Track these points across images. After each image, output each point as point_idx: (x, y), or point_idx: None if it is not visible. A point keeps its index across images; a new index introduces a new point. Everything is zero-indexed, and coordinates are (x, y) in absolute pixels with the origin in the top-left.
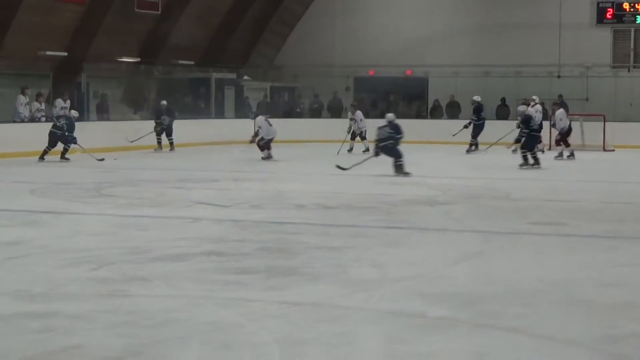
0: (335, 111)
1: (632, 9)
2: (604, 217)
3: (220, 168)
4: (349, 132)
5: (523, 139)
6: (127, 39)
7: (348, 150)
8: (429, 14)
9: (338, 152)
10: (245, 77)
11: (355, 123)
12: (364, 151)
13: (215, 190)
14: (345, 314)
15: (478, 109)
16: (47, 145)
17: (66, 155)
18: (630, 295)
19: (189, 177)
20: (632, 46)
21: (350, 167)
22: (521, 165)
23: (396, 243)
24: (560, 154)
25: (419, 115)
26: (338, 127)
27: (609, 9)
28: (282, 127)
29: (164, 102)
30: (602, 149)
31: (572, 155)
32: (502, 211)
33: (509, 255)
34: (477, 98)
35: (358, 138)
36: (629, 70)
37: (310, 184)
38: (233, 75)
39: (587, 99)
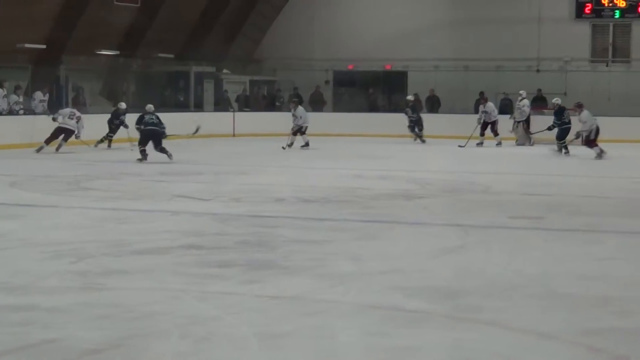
0: (317, 104)
1: (610, 4)
2: (583, 211)
3: (200, 161)
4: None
5: (556, 129)
6: (106, 32)
7: (288, 146)
8: (409, 7)
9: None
10: (225, 71)
11: (296, 119)
12: (302, 146)
13: (195, 183)
14: (324, 308)
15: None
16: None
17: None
18: (609, 289)
19: (169, 170)
20: (610, 41)
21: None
22: (565, 153)
23: (375, 237)
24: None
25: (398, 109)
26: (319, 120)
27: (588, 4)
28: (261, 120)
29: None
30: (580, 143)
31: (601, 153)
32: (481, 205)
33: (488, 249)
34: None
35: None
36: (607, 65)
37: (290, 178)
38: (212, 69)
39: (565, 94)
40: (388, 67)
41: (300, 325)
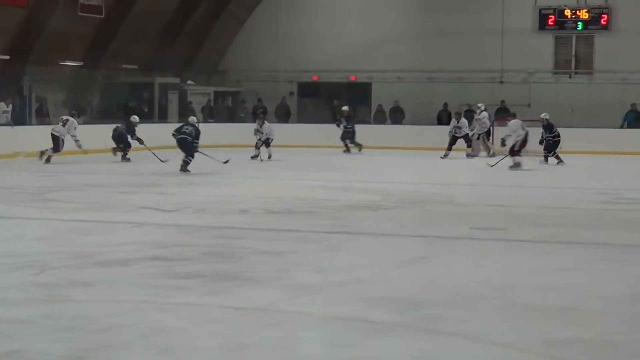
0: (282, 116)
1: (573, 16)
2: (544, 222)
3: (165, 172)
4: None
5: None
6: (70, 43)
7: (253, 157)
8: (373, 19)
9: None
10: (189, 82)
11: (261, 134)
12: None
13: (160, 195)
14: (288, 319)
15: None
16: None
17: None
18: (569, 299)
19: (133, 181)
20: (573, 52)
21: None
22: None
23: (339, 248)
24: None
25: (362, 120)
26: (283, 131)
27: (550, 16)
28: (225, 131)
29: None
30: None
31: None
32: (444, 216)
33: (451, 260)
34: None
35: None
36: (570, 77)
37: (254, 189)
38: (177, 80)
39: (529, 105)
40: (352, 79)
41: (264, 336)
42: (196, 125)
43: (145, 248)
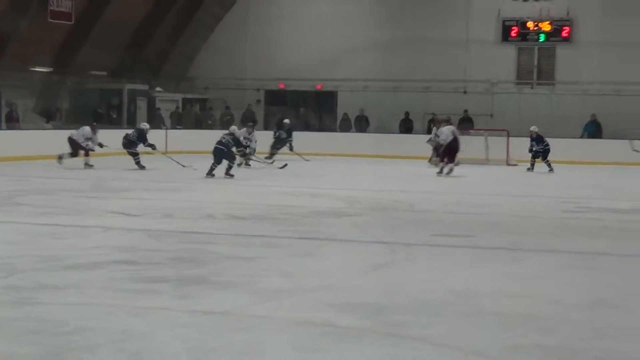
0: (248, 123)
1: (536, 28)
2: (507, 229)
3: (133, 178)
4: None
5: (540, 152)
6: (40, 49)
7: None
8: (340, 30)
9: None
10: (158, 89)
11: (252, 142)
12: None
13: (128, 200)
14: (256, 323)
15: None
16: (212, 162)
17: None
18: (533, 306)
19: (102, 186)
20: (535, 63)
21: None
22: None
23: (305, 253)
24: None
25: (328, 128)
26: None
27: (514, 27)
28: (193, 138)
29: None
30: (505, 163)
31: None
32: (407, 222)
33: (414, 266)
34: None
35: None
36: (532, 87)
37: (221, 195)
38: (145, 87)
39: (492, 115)
40: (319, 87)
41: (231, 340)
42: (236, 133)
43: (114, 252)
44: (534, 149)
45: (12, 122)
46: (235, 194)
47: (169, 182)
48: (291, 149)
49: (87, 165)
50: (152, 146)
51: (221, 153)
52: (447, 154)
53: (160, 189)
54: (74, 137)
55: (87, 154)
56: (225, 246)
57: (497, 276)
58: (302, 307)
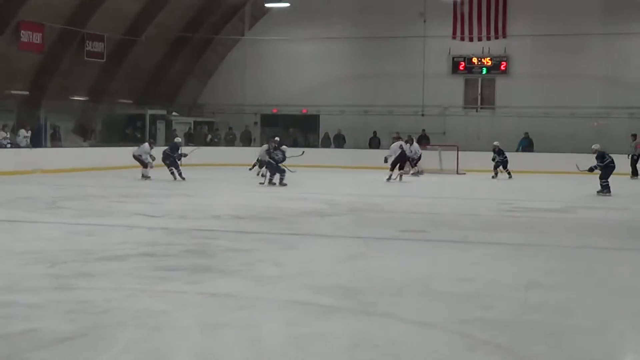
0: (246, 141)
1: (479, 63)
2: (457, 226)
3: (154, 186)
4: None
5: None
6: (79, 82)
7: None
8: (320, 65)
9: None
10: (174, 113)
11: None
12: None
13: (150, 204)
14: (253, 303)
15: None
16: (269, 175)
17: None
18: (477, 287)
19: (128, 193)
20: (479, 91)
21: None
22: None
23: (293, 246)
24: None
25: (312, 145)
26: (247, 153)
27: (461, 62)
28: (203, 153)
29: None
30: (455, 172)
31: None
32: (378, 221)
33: (383, 256)
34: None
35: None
36: (477, 111)
37: (226, 199)
38: (163, 112)
39: (444, 133)
40: (304, 111)
41: (233, 317)
42: (283, 149)
43: (137, 247)
44: (496, 159)
45: (56, 141)
46: (237, 199)
47: (183, 189)
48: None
49: (145, 177)
50: (184, 155)
51: (272, 165)
52: (395, 164)
53: (175, 194)
54: (136, 154)
55: (145, 167)
56: (228, 241)
57: (448, 263)
58: (290, 289)
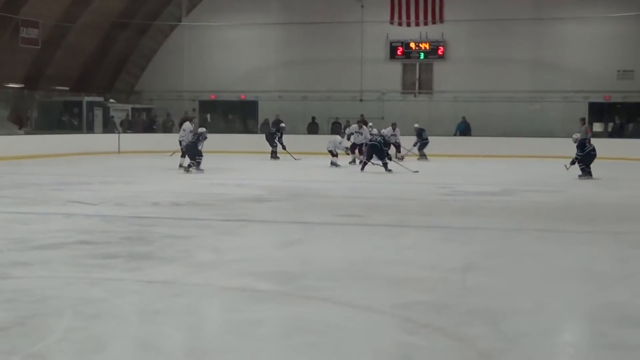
0: None
1: (417, 48)
2: (395, 210)
3: (91, 173)
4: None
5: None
6: (13, 69)
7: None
8: (259, 50)
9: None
10: (111, 100)
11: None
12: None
13: (86, 191)
14: (191, 289)
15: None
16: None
17: None
18: (415, 271)
19: (65, 180)
20: (417, 76)
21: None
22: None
23: (232, 232)
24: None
25: (250, 131)
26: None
27: (399, 47)
28: (140, 140)
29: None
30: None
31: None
32: (317, 206)
33: (321, 241)
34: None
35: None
36: (414, 96)
37: (164, 186)
38: (101, 99)
39: (382, 118)
40: (243, 97)
41: (172, 303)
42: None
43: (74, 234)
44: (415, 141)
45: None
46: (175, 185)
47: (121, 177)
48: (283, 147)
49: (187, 168)
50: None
51: (194, 150)
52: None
53: (113, 182)
54: (184, 139)
55: (183, 155)
56: (166, 228)
57: (385, 247)
58: (228, 275)
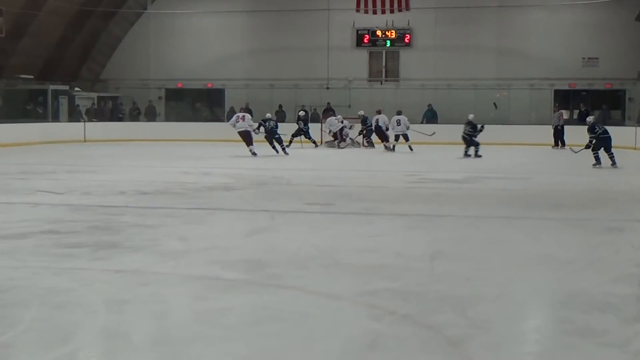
0: (151, 116)
1: (383, 36)
2: (363, 198)
3: (57, 162)
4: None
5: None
6: None
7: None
8: (225, 39)
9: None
10: (77, 89)
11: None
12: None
13: (52, 180)
14: (158, 278)
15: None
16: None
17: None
18: (382, 258)
19: (30, 170)
20: (383, 64)
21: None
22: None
23: (199, 221)
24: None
25: (218, 119)
26: (153, 128)
27: (365, 35)
28: (106, 129)
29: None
30: (360, 145)
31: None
32: (284, 194)
33: (289, 229)
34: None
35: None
36: (381, 83)
37: (131, 175)
38: (66, 87)
39: (349, 106)
40: (209, 86)
41: (139, 292)
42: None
43: (40, 224)
44: (360, 129)
45: None
46: (142, 174)
47: (87, 166)
48: (308, 136)
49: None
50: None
51: (273, 132)
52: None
53: (79, 170)
54: (246, 129)
55: (251, 143)
56: (133, 216)
57: (352, 235)
58: (195, 264)
